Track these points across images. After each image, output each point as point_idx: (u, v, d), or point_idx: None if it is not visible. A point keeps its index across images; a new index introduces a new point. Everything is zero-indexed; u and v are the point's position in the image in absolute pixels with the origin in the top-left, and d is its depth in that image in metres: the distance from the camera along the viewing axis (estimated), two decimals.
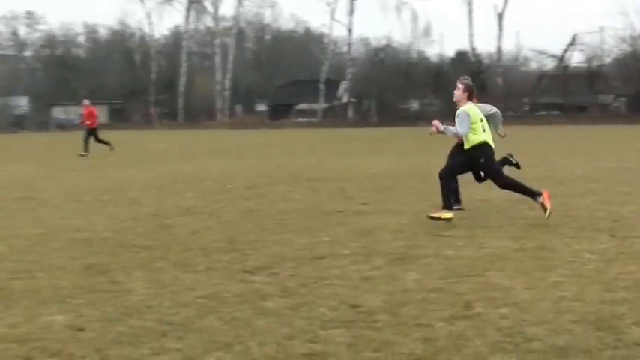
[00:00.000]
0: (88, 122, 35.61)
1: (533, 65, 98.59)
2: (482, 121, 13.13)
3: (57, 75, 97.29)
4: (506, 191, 13.55)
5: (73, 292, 8.47)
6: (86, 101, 36.93)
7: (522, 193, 13.14)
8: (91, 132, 35.42)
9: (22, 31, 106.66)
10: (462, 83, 13.27)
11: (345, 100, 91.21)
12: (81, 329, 7.03)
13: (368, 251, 10.60)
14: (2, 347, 6.57)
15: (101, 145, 35.21)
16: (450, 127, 13.22)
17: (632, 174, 21.19)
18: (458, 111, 13.06)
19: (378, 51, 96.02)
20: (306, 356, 6.13)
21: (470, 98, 13.23)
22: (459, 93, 13.23)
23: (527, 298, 7.89)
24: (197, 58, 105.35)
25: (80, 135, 36.87)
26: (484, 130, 13.08)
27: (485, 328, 6.82)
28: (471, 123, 12.90)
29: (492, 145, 13.08)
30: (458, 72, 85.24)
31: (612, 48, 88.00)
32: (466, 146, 13.08)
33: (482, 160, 13.06)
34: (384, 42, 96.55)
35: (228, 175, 23.18)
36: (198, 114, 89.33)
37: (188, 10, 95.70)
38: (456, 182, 14.11)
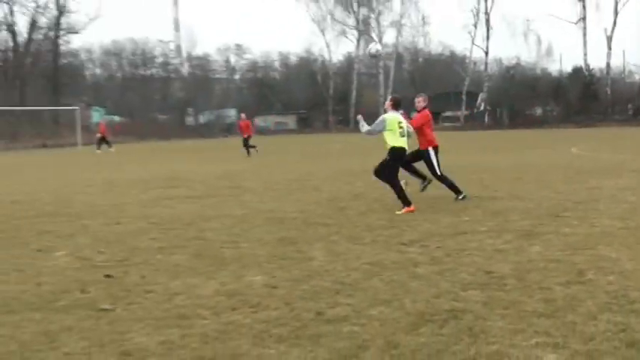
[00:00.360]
0: (245, 131, 35.64)
1: (637, 77, 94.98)
2: (401, 128, 12.94)
3: (258, 92, 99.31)
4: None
5: (269, 259, 8.61)
6: (243, 115, 37.54)
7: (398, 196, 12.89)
8: (246, 139, 35.51)
9: (232, 59, 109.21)
10: (391, 98, 13.61)
11: (482, 108, 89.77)
12: (274, 287, 7.12)
13: (500, 228, 10.39)
14: (216, 299, 6.72)
15: (249, 149, 35.30)
16: (365, 125, 13.31)
17: None
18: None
19: (509, 68, 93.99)
20: (449, 312, 6.05)
21: (394, 108, 13.24)
22: (387, 104, 13.48)
23: (630, 267, 7.58)
24: (365, 77, 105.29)
25: (271, 139, 37.38)
26: (402, 136, 12.92)
27: (596, 291, 6.58)
28: (388, 128, 12.89)
29: (405, 150, 13.07)
30: (574, 84, 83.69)
31: None
32: (386, 147, 13.04)
33: (388, 158, 12.96)
34: (514, 61, 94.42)
35: None
36: (366, 120, 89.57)
37: (358, 40, 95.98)
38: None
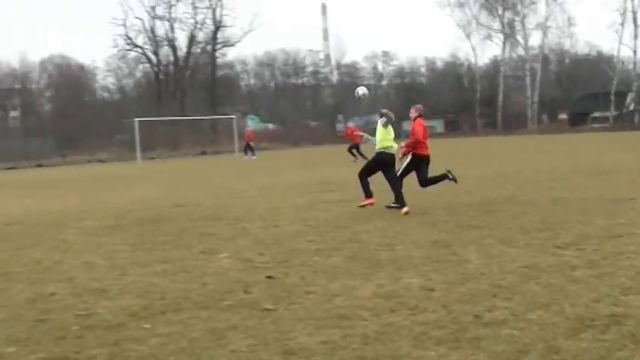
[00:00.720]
0: (355, 138, 34.57)
1: None
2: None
3: (405, 97, 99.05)
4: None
5: (424, 261, 8.52)
6: (351, 124, 37.48)
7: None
8: (356, 145, 35.53)
9: (380, 66, 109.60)
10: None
11: (631, 108, 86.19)
12: (431, 290, 7.04)
13: None
14: (374, 301, 6.70)
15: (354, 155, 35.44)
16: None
17: None
18: None
19: None
20: (610, 317, 5.78)
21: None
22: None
23: None
24: (511, 80, 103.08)
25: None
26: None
27: None
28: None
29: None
30: None
31: None
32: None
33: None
34: None
35: (537, 169, 22.51)
36: (513, 123, 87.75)
37: (504, 43, 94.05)
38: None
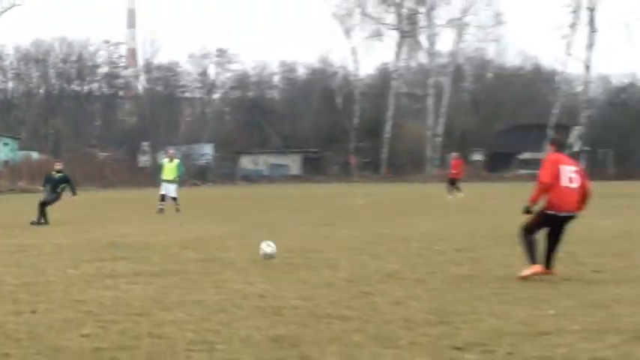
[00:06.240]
0: (454, 172, 46.85)
1: None
2: None
3: (247, 120, 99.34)
4: None
5: None
6: (454, 154, 48.20)
7: None
8: (454, 181, 46.54)
9: (212, 70, 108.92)
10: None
11: (576, 148, 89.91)
12: None
13: (601, 327, 10.35)
14: None
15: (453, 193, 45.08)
16: None
17: None
18: None
19: (619, 91, 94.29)
20: None
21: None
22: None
23: None
24: (406, 100, 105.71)
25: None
26: None
27: None
28: None
29: None
30: None
31: None
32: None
33: None
34: (626, 80, 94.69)
35: (437, 235, 23.06)
36: (404, 164, 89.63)
37: (399, 45, 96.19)
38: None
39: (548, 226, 15.03)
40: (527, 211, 15.07)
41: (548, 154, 15.60)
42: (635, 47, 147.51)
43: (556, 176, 14.67)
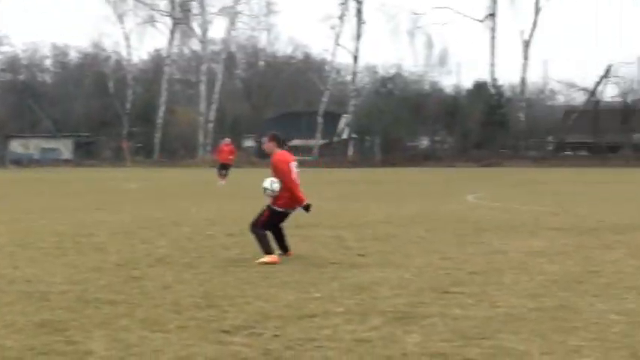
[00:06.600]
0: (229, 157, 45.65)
1: (561, 99, 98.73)
2: None
3: (17, 103, 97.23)
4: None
5: (22, 354, 8.40)
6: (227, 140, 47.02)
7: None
8: (226, 166, 45.20)
9: None
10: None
11: (345, 136, 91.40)
12: None
13: (364, 309, 10.56)
14: None
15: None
16: None
17: None
18: None
19: (385, 81, 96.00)
20: None
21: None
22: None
23: None
24: (179, 86, 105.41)
25: None
26: None
27: None
28: None
29: None
30: (475, 105, 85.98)
31: None
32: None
33: None
34: (392, 71, 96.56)
35: (209, 220, 23.08)
36: (177, 149, 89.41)
37: (172, 32, 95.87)
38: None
39: (279, 222, 15.32)
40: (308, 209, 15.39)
41: (275, 153, 15.47)
42: (400, 39, 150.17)
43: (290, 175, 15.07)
